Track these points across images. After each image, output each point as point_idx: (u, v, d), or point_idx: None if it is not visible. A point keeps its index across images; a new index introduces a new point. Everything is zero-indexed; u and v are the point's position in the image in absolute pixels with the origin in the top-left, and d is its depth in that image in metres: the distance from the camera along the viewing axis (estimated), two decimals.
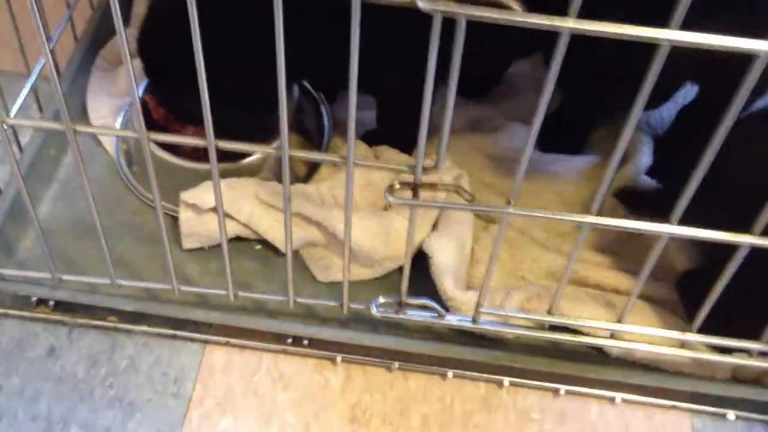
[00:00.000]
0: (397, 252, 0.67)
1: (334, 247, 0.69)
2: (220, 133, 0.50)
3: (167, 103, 0.69)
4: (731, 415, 0.65)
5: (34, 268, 0.64)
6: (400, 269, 0.61)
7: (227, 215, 0.67)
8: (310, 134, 0.77)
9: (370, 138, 0.76)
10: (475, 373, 0.66)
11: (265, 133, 0.68)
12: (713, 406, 0.65)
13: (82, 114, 0.79)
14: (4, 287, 0.65)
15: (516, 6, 0.41)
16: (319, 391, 0.65)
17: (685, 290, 0.66)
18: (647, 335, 0.60)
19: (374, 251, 0.67)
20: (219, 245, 0.61)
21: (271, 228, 0.68)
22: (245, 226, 0.69)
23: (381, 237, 0.67)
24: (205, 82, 0.46)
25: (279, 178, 0.72)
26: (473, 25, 0.42)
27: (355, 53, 0.44)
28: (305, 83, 0.77)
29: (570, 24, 0.40)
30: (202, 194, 0.67)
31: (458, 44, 0.42)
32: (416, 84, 0.46)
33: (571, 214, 0.51)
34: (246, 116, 0.64)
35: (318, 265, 0.69)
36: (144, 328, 0.67)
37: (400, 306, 0.61)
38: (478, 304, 0.59)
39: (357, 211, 0.69)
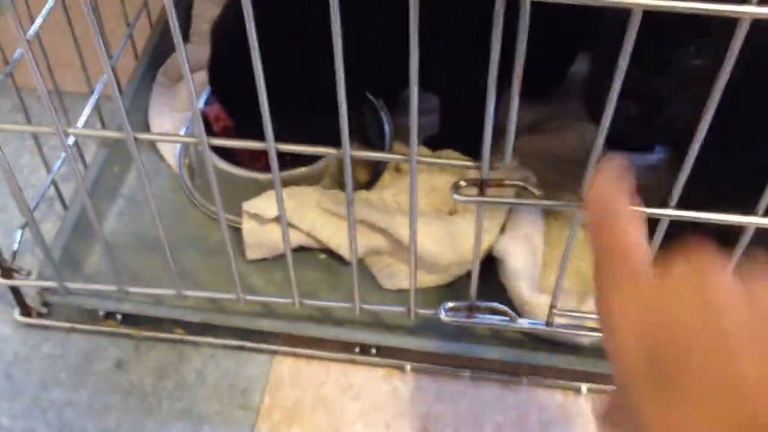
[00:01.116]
0: (465, 256, 0.65)
1: (399, 254, 0.68)
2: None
3: (233, 114, 0.69)
4: None
5: (101, 282, 0.64)
6: (469, 274, 0.59)
7: (290, 224, 0.66)
8: (371, 141, 0.76)
9: (433, 142, 0.75)
10: (550, 380, 0.64)
11: (326, 143, 0.67)
12: None
13: (144, 129, 0.79)
14: (72, 301, 0.66)
15: None
16: (389, 400, 0.63)
17: None
18: None
19: (440, 256, 0.65)
20: (283, 255, 0.60)
21: (335, 236, 0.67)
22: (308, 235, 0.68)
23: (447, 241, 0.65)
24: (264, 92, 0.46)
25: (341, 186, 0.70)
26: (537, 16, 0.40)
27: (415, 46, 0.42)
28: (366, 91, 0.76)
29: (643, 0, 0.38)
30: (263, 204, 0.66)
31: (523, 27, 0.41)
32: (479, 81, 0.45)
33: (649, 209, 0.49)
34: (308, 126, 0.63)
35: (384, 273, 0.68)
36: (210, 339, 0.66)
37: (470, 310, 0.59)
38: (552, 306, 0.57)
39: (422, 216, 0.67)
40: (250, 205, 0.67)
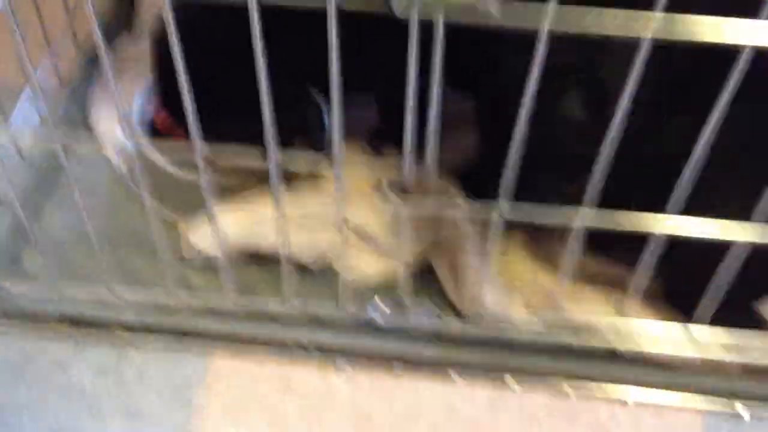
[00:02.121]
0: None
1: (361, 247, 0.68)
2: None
3: (175, 110, 0.69)
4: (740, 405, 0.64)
5: (42, 281, 0.65)
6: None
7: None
8: (312, 136, 0.76)
9: (375, 136, 0.75)
10: (481, 375, 0.65)
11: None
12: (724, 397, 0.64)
13: (86, 121, 0.79)
14: (11, 303, 0.66)
15: (495, 10, 0.40)
16: (324, 396, 0.65)
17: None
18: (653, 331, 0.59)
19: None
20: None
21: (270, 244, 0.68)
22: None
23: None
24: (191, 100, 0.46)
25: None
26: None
27: (336, 60, 0.43)
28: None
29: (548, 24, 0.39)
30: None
31: (438, 44, 0.41)
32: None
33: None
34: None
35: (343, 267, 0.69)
36: (150, 338, 0.67)
37: (401, 308, 0.60)
38: (479, 305, 0.59)
39: (370, 203, 0.67)
40: (197, 237, 0.67)
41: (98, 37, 0.44)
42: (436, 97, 0.45)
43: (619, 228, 0.50)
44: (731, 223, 0.49)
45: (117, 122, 0.78)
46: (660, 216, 0.49)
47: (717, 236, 0.49)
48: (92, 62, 0.82)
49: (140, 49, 0.74)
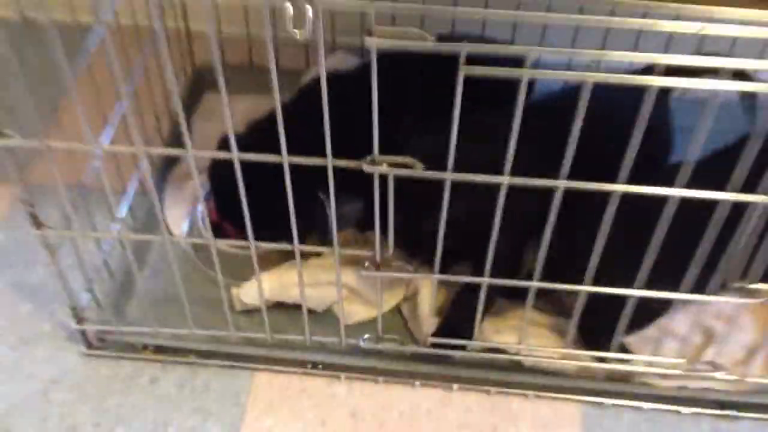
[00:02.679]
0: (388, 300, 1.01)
1: (352, 299, 1.01)
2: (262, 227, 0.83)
3: (225, 212, 1.03)
4: (609, 402, 0.97)
5: (139, 325, 0.98)
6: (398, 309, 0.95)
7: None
8: (319, 228, 1.08)
9: (361, 224, 1.09)
10: (437, 384, 0.98)
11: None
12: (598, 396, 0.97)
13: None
14: (120, 338, 0.99)
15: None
16: (330, 400, 0.98)
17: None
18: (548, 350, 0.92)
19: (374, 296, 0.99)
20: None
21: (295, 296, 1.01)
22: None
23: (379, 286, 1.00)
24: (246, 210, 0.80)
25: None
26: None
27: (333, 178, 0.77)
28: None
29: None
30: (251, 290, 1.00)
31: (390, 195, 0.75)
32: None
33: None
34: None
35: (343, 313, 1.01)
36: (213, 361, 1.00)
37: (378, 339, 0.94)
38: (426, 334, 0.92)
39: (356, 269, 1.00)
40: (243, 292, 1.00)
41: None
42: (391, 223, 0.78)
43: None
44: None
45: (184, 217, 1.12)
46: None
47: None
48: (163, 172, 1.16)
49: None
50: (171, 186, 1.15)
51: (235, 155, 0.76)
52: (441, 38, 0.64)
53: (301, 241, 0.84)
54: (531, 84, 0.67)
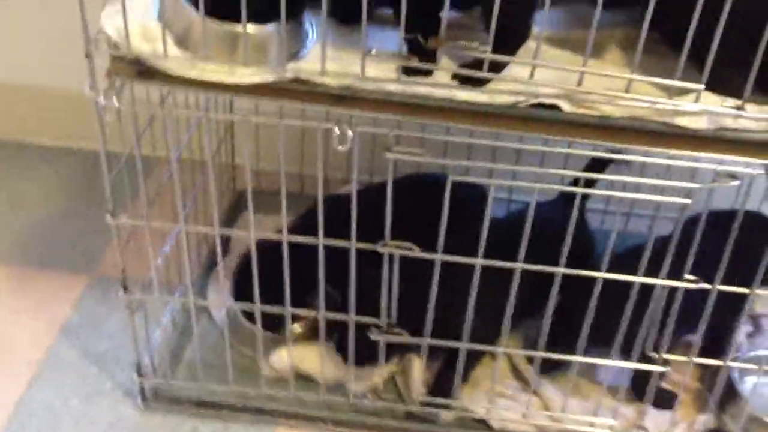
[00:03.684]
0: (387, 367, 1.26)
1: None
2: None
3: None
4: None
5: (189, 383, 1.23)
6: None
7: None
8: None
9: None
10: None
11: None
12: None
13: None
14: (172, 393, 1.24)
15: None
16: None
17: None
18: None
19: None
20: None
21: (316, 368, 1.27)
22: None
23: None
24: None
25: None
26: None
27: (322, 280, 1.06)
28: None
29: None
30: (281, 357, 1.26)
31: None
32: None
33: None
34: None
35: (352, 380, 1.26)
36: (245, 414, 1.24)
37: (378, 397, 1.19)
38: (417, 395, 1.18)
39: None
40: (274, 360, 1.26)
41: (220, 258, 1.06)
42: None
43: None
44: None
45: (222, 302, 1.39)
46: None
47: None
48: (207, 271, 1.44)
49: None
50: (213, 281, 1.43)
51: (285, 237, 1.05)
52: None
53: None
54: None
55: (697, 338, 1.10)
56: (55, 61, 1.58)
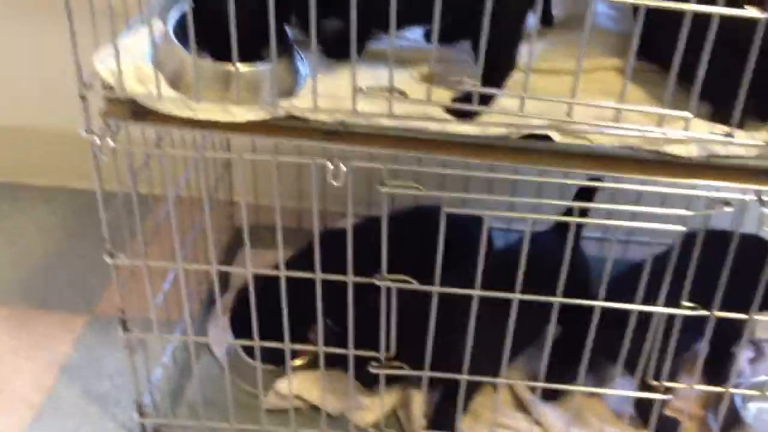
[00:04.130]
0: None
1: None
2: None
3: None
4: None
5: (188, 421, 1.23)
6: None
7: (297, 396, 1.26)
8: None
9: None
10: None
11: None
12: None
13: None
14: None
15: None
16: None
17: None
18: None
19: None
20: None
21: (316, 397, 1.27)
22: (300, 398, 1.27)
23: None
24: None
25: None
26: None
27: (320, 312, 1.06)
28: None
29: None
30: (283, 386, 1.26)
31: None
32: None
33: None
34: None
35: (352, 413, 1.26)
36: None
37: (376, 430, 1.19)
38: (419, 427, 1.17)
39: None
40: (281, 386, 1.26)
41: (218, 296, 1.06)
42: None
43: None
44: None
45: (223, 336, 1.39)
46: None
47: None
48: (208, 309, 1.44)
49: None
50: (213, 317, 1.43)
51: (282, 272, 1.05)
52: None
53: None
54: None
55: (698, 364, 1.10)
56: (51, 102, 1.60)
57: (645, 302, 1.02)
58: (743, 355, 1.32)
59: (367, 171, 0.97)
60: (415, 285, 1.03)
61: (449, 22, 0.88)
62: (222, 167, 1.51)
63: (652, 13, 0.83)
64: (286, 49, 0.96)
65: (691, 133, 0.88)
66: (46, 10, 1.54)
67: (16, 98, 1.70)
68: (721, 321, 1.04)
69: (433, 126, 0.92)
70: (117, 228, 1.05)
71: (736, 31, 0.82)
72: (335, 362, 1.18)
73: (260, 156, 1.01)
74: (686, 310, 1.01)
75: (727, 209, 0.92)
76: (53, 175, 1.79)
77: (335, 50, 0.97)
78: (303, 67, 0.98)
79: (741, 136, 0.88)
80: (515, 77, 0.95)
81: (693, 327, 1.05)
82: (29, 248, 1.63)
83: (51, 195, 1.77)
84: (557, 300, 1.03)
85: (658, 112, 0.88)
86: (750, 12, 0.79)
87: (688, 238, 0.99)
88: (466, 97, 0.91)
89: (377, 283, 1.03)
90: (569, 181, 0.98)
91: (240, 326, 1.28)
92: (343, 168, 0.93)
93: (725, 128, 0.89)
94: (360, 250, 1.02)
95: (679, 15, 0.81)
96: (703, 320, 1.04)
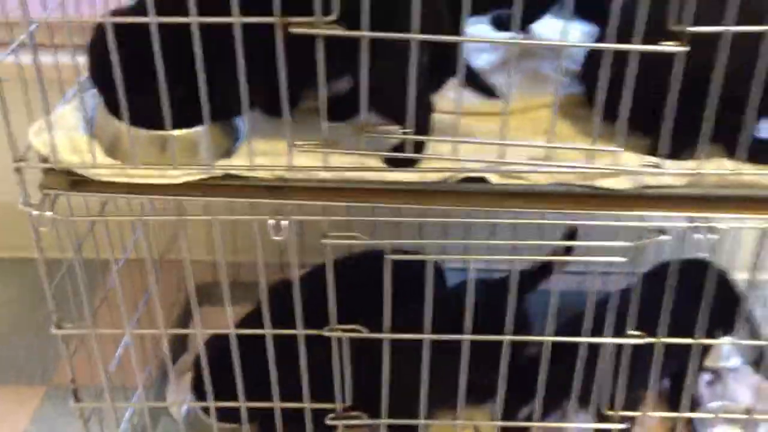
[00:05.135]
0: None
1: None
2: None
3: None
4: None
5: None
6: None
7: None
8: None
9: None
10: None
11: None
12: None
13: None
14: None
15: None
16: None
17: None
18: None
19: None
20: None
21: None
22: None
23: None
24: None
25: None
26: None
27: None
28: None
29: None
30: None
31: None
32: None
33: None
34: None
35: None
36: None
37: None
38: None
39: None
40: None
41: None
42: None
43: None
44: None
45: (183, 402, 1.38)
46: None
47: None
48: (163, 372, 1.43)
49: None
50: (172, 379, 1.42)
51: (232, 330, 1.05)
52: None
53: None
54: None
55: (652, 391, 1.11)
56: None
57: (594, 334, 1.03)
58: (700, 380, 1.33)
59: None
60: (365, 333, 1.03)
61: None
62: (172, 226, 1.51)
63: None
64: (224, 111, 0.96)
65: (621, 166, 0.90)
66: None
67: None
68: (674, 348, 1.05)
69: (371, 175, 0.93)
70: (65, 296, 1.04)
71: (657, 64, 0.84)
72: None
73: (199, 216, 1.01)
74: (632, 338, 1.02)
75: (663, 238, 0.93)
76: (2, 247, 1.77)
77: (271, 107, 0.98)
78: (242, 125, 0.99)
79: (670, 165, 0.90)
80: (450, 121, 0.96)
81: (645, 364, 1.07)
82: None
83: (1, 267, 1.75)
84: (506, 338, 1.03)
85: (588, 148, 0.90)
86: (667, 47, 0.82)
87: (652, 274, 1.01)
88: (400, 147, 0.92)
89: (326, 334, 1.03)
90: (517, 221, 0.98)
91: (200, 386, 1.27)
92: (284, 223, 0.93)
93: (654, 159, 0.91)
94: (314, 299, 1.02)
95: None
96: (670, 350, 1.05)
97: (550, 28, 1.20)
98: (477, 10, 0.97)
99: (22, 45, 0.90)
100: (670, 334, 1.03)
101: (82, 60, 0.93)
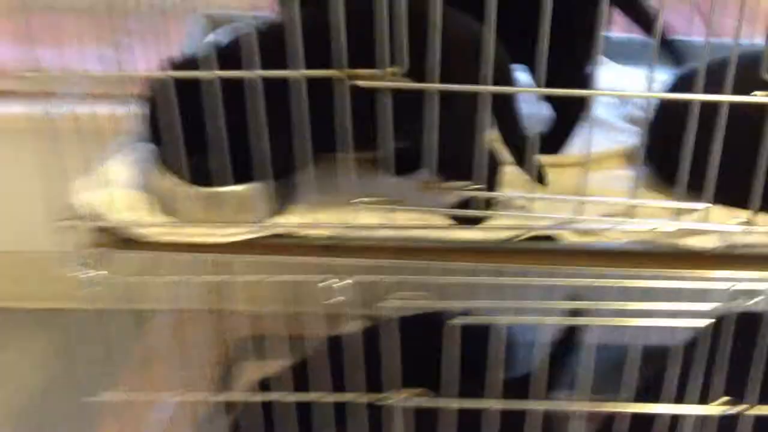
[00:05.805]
0: None
1: None
2: None
3: None
4: None
5: None
6: None
7: None
8: None
9: None
10: None
11: None
12: None
13: None
14: None
15: None
16: None
17: None
18: None
19: None
20: None
21: None
22: None
23: None
24: None
25: None
26: None
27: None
28: None
29: None
30: None
31: None
32: None
33: None
34: None
35: None
36: None
37: None
38: None
39: None
40: None
41: None
42: None
43: None
44: None
45: None
46: None
47: None
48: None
49: None
50: None
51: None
52: None
53: None
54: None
55: None
56: (35, 226, 1.54)
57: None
58: None
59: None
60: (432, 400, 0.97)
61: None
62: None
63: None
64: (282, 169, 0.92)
65: (709, 224, 0.84)
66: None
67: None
68: None
69: (435, 234, 0.88)
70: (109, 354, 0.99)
71: (746, 117, 0.78)
72: None
73: (251, 277, 0.96)
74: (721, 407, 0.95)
75: (754, 301, 0.86)
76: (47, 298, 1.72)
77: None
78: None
79: (762, 222, 0.84)
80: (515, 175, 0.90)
81: None
82: (21, 379, 1.55)
83: (44, 318, 1.69)
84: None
85: (673, 205, 0.84)
86: (761, 98, 0.76)
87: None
88: (466, 203, 0.87)
89: (389, 403, 0.97)
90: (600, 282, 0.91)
91: None
92: (349, 281, 0.88)
93: (744, 215, 0.84)
94: (369, 357, 0.98)
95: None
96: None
97: (608, 73, 1.14)
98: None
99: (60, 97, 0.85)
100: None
101: (120, 110, 0.89)
